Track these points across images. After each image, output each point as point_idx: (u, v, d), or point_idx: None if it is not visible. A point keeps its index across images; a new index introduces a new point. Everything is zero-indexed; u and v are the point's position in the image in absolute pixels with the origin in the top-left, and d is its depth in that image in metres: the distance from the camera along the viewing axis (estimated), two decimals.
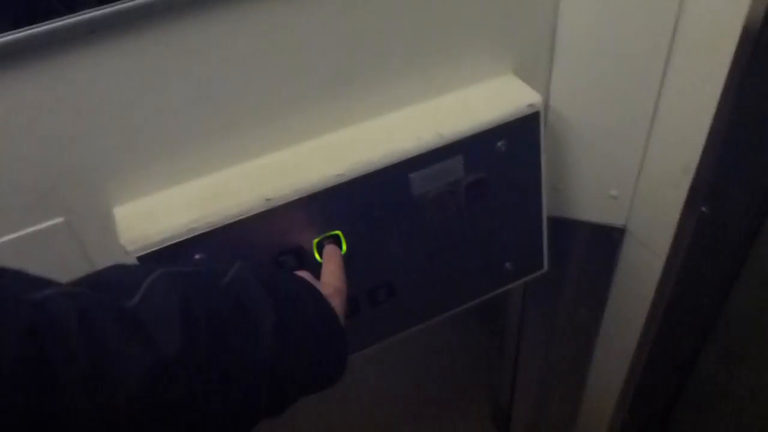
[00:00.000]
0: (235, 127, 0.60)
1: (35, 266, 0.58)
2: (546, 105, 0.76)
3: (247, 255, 0.61)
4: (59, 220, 0.58)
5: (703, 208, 0.74)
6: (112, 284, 0.41)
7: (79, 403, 0.33)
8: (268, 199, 0.59)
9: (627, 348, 0.97)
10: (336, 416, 1.04)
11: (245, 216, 0.59)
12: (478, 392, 1.25)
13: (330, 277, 0.58)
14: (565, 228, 0.88)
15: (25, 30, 0.46)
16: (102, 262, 0.61)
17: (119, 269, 0.43)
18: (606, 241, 0.89)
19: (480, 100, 0.68)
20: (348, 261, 0.64)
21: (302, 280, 0.53)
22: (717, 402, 0.99)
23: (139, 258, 0.56)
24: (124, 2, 0.48)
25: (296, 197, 0.60)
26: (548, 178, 0.75)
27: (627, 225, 0.86)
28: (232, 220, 0.59)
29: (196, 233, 0.58)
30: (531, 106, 0.67)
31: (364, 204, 0.64)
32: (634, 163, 0.79)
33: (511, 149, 0.68)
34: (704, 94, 0.66)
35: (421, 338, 1.00)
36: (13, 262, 0.57)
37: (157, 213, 0.59)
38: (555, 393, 1.16)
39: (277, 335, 0.44)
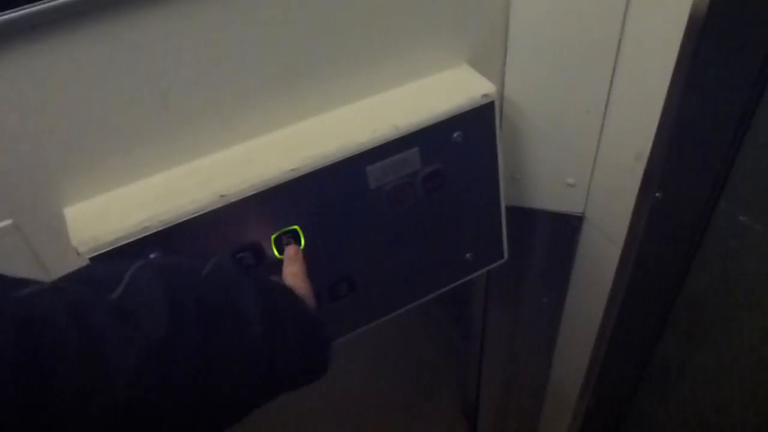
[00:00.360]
0: (186, 124, 0.59)
1: None
2: (501, 95, 0.76)
3: (203, 253, 0.60)
4: (7, 222, 0.56)
5: (657, 194, 0.76)
6: (95, 279, 0.41)
7: (78, 393, 0.33)
8: (222, 196, 0.58)
9: (589, 334, 0.99)
10: (302, 413, 1.03)
11: (199, 213, 0.58)
12: (446, 384, 1.26)
13: (293, 280, 0.58)
14: (524, 217, 0.89)
15: None
16: (54, 264, 0.60)
17: (100, 264, 0.44)
18: (565, 229, 0.90)
19: (434, 92, 0.68)
20: (307, 255, 0.64)
21: (273, 277, 0.53)
22: (677, 384, 1.01)
23: (91, 259, 0.55)
24: None
25: (251, 193, 0.59)
26: (506, 167, 0.76)
27: (585, 213, 0.87)
28: (187, 218, 0.58)
29: (150, 232, 0.57)
30: (485, 96, 0.67)
31: (321, 198, 0.64)
32: (590, 152, 0.80)
33: (467, 140, 0.69)
34: (654, 83, 0.68)
35: (385, 331, 1.01)
36: None
37: (108, 213, 0.58)
38: (521, 382, 1.17)
39: (264, 318, 0.45)
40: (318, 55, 0.62)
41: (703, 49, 0.63)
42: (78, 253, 0.55)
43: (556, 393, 1.17)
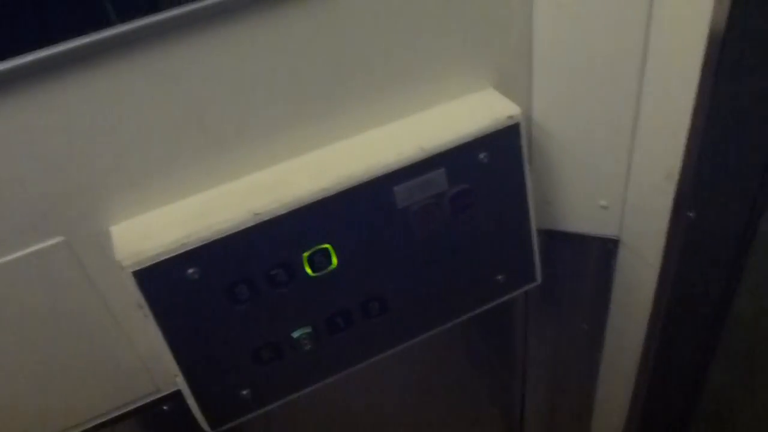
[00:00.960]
0: (222, 147, 0.63)
1: (38, 284, 0.61)
2: (529, 118, 0.78)
3: (238, 268, 0.63)
4: (59, 239, 0.61)
5: (690, 214, 0.75)
6: None
7: None
8: (256, 214, 0.62)
9: (632, 362, 0.97)
10: None
11: (235, 231, 0.62)
12: (488, 413, 1.24)
13: None
14: (559, 241, 0.89)
15: (22, 57, 0.50)
16: (100, 279, 0.64)
17: None
18: (601, 252, 0.90)
19: (460, 114, 0.70)
20: (340, 274, 0.67)
21: None
22: (732, 418, 0.98)
23: (134, 272, 0.59)
24: (109, 29, 0.52)
25: (283, 211, 0.63)
26: (537, 190, 0.77)
27: (620, 235, 0.87)
28: (223, 235, 0.61)
29: (188, 248, 0.60)
30: (510, 117, 0.69)
31: (350, 217, 0.66)
32: (621, 173, 0.80)
33: (494, 161, 0.70)
34: (680, 100, 0.68)
35: (427, 358, 1.01)
36: (14, 281, 0.60)
37: (151, 230, 0.62)
38: (565, 410, 1.15)
39: None
40: (348, 81, 0.65)
41: (724, 64, 0.64)
42: (122, 267, 0.59)
43: (601, 423, 1.14)
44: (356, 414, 1.04)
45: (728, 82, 0.65)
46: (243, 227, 0.62)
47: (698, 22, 0.63)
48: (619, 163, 0.79)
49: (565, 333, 1.03)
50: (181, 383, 0.67)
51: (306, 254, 0.66)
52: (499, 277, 0.78)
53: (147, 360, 0.73)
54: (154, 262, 0.60)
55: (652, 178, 0.77)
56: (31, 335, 0.66)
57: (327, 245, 0.66)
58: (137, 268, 0.59)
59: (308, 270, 0.66)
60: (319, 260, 0.66)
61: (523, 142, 0.72)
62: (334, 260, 0.67)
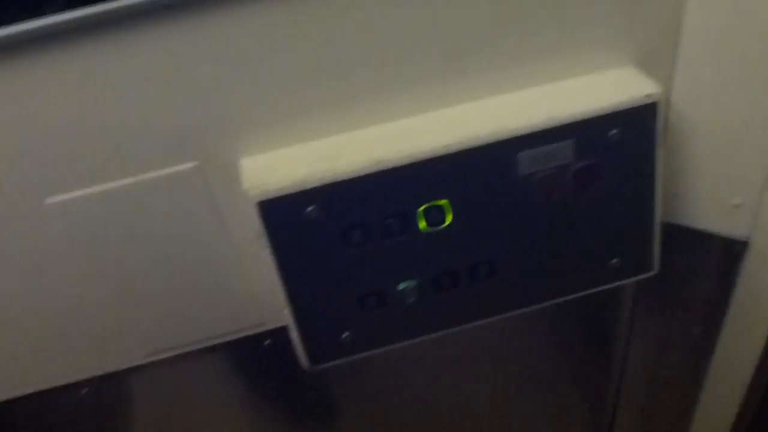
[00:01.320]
0: (354, 97, 0.65)
1: (168, 205, 0.65)
2: (667, 101, 0.74)
3: (355, 213, 0.65)
4: (193, 164, 0.65)
5: None
6: None
7: None
8: (377, 162, 0.63)
9: (743, 375, 0.91)
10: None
11: (357, 175, 0.63)
12: (576, 408, 1.21)
13: None
14: (683, 236, 0.85)
15: None
16: (226, 207, 0.67)
17: None
18: (726, 254, 0.85)
19: (595, 88, 0.68)
20: (452, 233, 0.67)
21: None
22: None
23: (259, 203, 0.62)
24: None
25: (405, 162, 0.63)
26: (667, 178, 0.73)
27: (750, 238, 0.81)
28: (344, 178, 0.63)
29: (311, 186, 0.62)
30: (648, 96, 0.66)
31: (471, 178, 0.66)
32: (762, 170, 0.75)
33: (625, 140, 0.68)
34: None
35: (521, 334, 1.00)
36: (146, 200, 0.65)
37: (277, 166, 0.64)
38: (661, 417, 1.10)
39: None
40: (483, 43, 0.65)
41: None
42: (248, 197, 0.62)
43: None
44: (437, 386, 1.04)
45: None
46: (365, 173, 0.63)
47: None
48: (762, 159, 0.74)
49: (674, 334, 0.98)
50: (287, 316, 0.69)
51: (422, 208, 0.66)
52: (615, 260, 0.76)
53: (257, 293, 0.76)
54: (277, 195, 0.62)
55: None
56: (151, 253, 0.71)
57: (443, 202, 0.67)
58: (262, 198, 0.62)
59: (422, 224, 0.67)
60: (434, 216, 0.67)
61: (659, 124, 0.68)
62: (449, 218, 0.67)
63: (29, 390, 0.80)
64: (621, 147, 0.68)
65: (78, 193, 0.64)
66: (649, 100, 0.67)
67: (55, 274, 0.70)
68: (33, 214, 0.65)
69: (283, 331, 0.72)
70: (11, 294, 0.70)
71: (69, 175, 0.63)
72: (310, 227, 0.64)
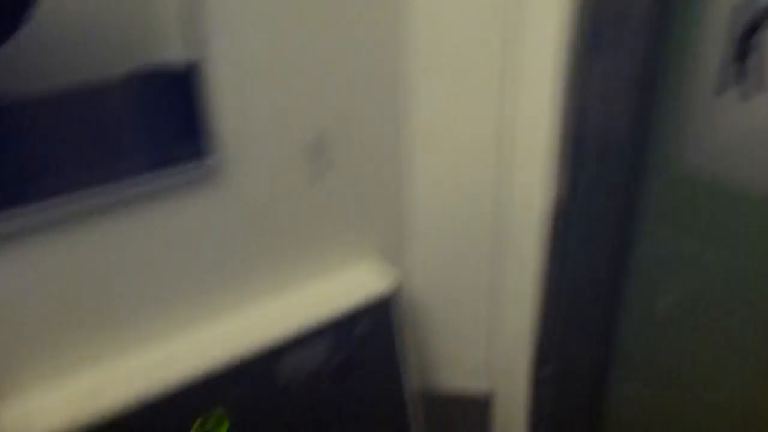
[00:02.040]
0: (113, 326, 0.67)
1: None
2: (410, 286, 0.87)
3: None
4: None
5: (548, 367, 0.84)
6: None
7: None
8: (141, 394, 0.64)
9: None
10: None
11: (122, 411, 0.63)
12: None
13: None
14: (440, 402, 0.95)
15: None
16: None
17: None
18: (474, 409, 0.95)
19: (338, 287, 0.78)
20: None
21: None
22: None
23: None
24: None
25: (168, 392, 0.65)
26: (414, 353, 0.83)
27: (492, 390, 0.93)
28: (111, 418, 0.62)
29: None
30: (385, 289, 0.77)
31: (234, 395, 0.69)
32: (483, 334, 0.89)
33: (372, 331, 0.77)
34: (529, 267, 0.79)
35: None
36: None
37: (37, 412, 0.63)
38: None
39: None
40: (234, 259, 0.72)
41: (557, 244, 0.76)
42: None
43: None
44: None
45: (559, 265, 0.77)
46: (130, 409, 0.63)
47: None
48: (483, 325, 0.88)
49: None
50: None
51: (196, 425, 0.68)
52: None
53: None
54: None
55: (514, 335, 0.86)
56: None
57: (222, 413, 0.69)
58: None
59: None
60: None
61: (399, 310, 0.79)
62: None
63: None
64: (369, 338, 0.77)
65: None
66: (388, 293, 0.77)
67: None
68: None
69: None
70: None
71: None
72: None
